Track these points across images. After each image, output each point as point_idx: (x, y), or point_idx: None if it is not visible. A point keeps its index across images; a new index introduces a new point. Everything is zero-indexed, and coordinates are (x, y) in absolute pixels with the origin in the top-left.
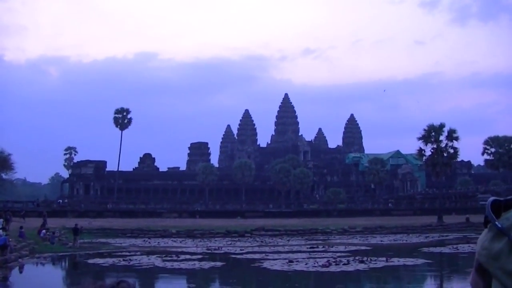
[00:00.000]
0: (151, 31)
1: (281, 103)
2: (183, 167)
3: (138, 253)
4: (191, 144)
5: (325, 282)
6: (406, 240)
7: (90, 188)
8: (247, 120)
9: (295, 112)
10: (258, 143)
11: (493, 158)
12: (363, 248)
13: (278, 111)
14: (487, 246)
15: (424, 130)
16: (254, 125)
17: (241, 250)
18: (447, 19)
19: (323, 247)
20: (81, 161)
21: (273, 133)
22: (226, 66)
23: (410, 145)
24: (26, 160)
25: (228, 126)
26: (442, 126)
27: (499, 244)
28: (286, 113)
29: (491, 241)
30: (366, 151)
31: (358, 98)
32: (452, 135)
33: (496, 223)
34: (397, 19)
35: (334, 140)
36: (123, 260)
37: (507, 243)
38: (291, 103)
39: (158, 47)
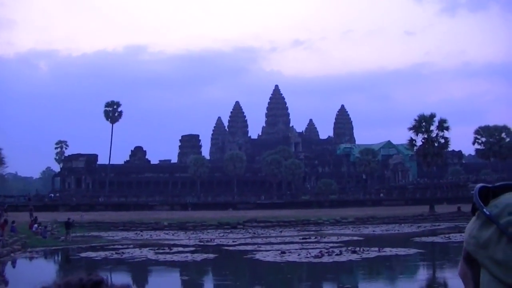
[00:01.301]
0: (141, 24)
1: (272, 94)
2: (174, 159)
3: (131, 246)
4: (182, 136)
5: (318, 272)
6: (398, 230)
7: (82, 181)
8: (237, 112)
9: (285, 103)
10: (249, 135)
11: (483, 147)
12: (355, 238)
13: (268, 102)
14: (475, 234)
15: (415, 120)
16: (245, 117)
17: (233, 241)
18: (437, 9)
19: (316, 238)
20: (72, 154)
21: (264, 125)
22: (216, 58)
23: (401, 135)
24: (17, 154)
25: (219, 118)
26: (432, 116)
27: (487, 232)
28: (277, 104)
29: (479, 229)
30: (357, 142)
31: (349, 89)
32: (442, 125)
33: (484, 210)
34: (387, 10)
35: (325, 131)
36: (116, 253)
37: (496, 231)
38: (281, 94)
39: (148, 39)
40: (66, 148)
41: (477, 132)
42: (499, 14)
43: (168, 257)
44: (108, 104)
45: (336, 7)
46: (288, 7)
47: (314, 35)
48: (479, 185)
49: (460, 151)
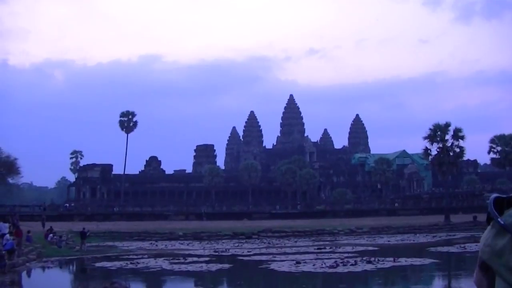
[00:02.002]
0: (155, 34)
1: (286, 104)
2: (189, 169)
3: (145, 256)
4: (197, 146)
5: (332, 283)
6: (413, 240)
7: (97, 191)
8: (252, 122)
9: (300, 113)
10: (263, 145)
11: (499, 156)
12: (370, 248)
13: (283, 112)
14: (490, 243)
15: (430, 129)
16: (259, 126)
17: (248, 251)
18: (451, 18)
19: (330, 248)
20: (87, 164)
21: (279, 134)
22: (230, 67)
23: (416, 144)
24: (33, 165)
25: (234, 128)
26: (447, 125)
27: (502, 241)
28: (292, 114)
29: (494, 238)
30: (372, 151)
31: (363, 97)
32: (458, 134)
33: (499, 219)
34: (401, 18)
35: (340, 140)
36: (131, 263)
37: (510, 240)
38: (296, 104)
39: (162, 49)
40: (81, 158)
41: (492, 141)
42: None
43: (183, 267)
44: (123, 114)
45: (349, 15)
46: (302, 16)
47: (328, 44)
48: (494, 195)
49: (475, 160)
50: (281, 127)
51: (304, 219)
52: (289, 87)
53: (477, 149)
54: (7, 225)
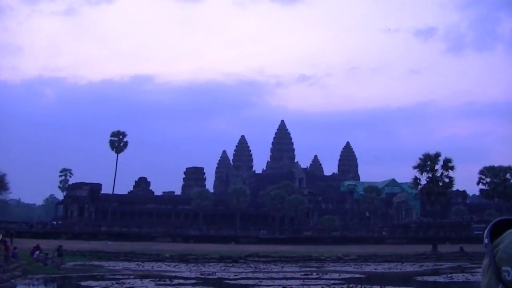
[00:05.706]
0: (148, 54)
1: (277, 129)
2: (178, 191)
3: (131, 276)
4: (186, 169)
5: None
6: (400, 269)
7: (85, 210)
8: (243, 146)
9: (291, 138)
10: (253, 169)
11: (488, 188)
12: (357, 276)
13: (274, 137)
14: (483, 262)
15: (420, 159)
16: (250, 151)
17: (234, 275)
18: (442, 49)
19: (317, 274)
20: (76, 183)
21: (269, 159)
22: (221, 91)
23: (405, 173)
24: (21, 181)
25: (224, 151)
26: (437, 155)
27: (485, 260)
28: (282, 139)
29: (485, 258)
30: (361, 179)
31: (354, 125)
32: (447, 165)
33: (485, 239)
34: (392, 48)
35: (330, 167)
36: (116, 283)
37: (489, 260)
38: (287, 129)
39: (154, 70)
40: (70, 176)
41: (481, 172)
42: (504, 54)
43: None
44: (113, 134)
45: (341, 44)
46: (293, 42)
47: (319, 71)
48: (501, 218)
49: (464, 191)
50: (271, 152)
51: (291, 245)
52: (280, 112)
53: (466, 180)
54: None
